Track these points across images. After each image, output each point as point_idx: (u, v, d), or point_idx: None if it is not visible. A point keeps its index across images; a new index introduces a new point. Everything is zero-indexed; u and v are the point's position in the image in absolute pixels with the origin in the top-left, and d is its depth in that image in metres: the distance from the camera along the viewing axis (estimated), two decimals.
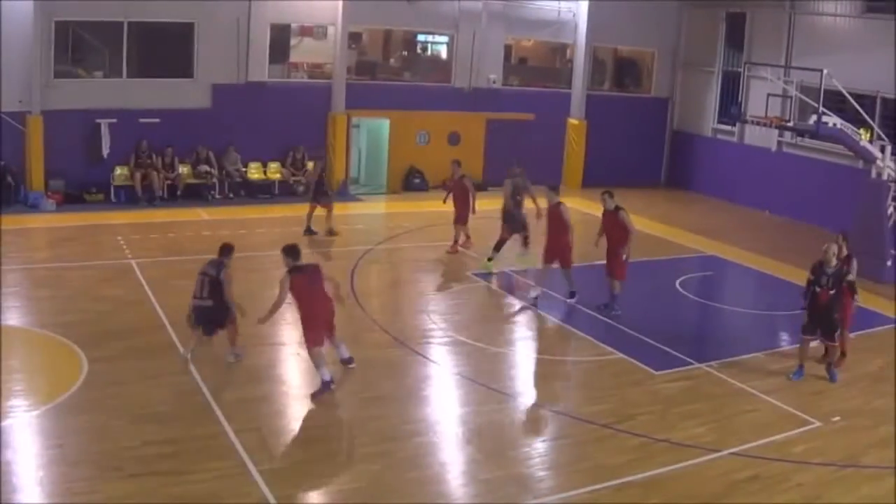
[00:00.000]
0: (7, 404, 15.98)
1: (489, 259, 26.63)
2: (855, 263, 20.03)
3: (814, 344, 19.62)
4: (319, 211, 30.10)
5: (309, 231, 29.99)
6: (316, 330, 17.78)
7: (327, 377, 17.51)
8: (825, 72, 28.86)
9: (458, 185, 28.65)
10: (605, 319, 22.57)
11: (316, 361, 17.61)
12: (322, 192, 30.54)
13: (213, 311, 18.38)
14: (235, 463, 14.34)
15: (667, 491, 14.24)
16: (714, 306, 25.28)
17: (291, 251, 17.90)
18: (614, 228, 22.89)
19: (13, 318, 20.35)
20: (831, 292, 18.87)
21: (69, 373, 17.46)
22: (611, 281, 23.06)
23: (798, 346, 19.69)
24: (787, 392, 18.46)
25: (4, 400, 16.13)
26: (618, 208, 22.92)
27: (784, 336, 21.69)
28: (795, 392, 18.53)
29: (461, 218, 28.48)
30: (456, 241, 28.71)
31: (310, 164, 36.54)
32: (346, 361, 18.81)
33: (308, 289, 17.76)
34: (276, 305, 17.80)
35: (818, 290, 18.94)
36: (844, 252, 19.92)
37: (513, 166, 27.54)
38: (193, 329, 18.63)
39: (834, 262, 18.94)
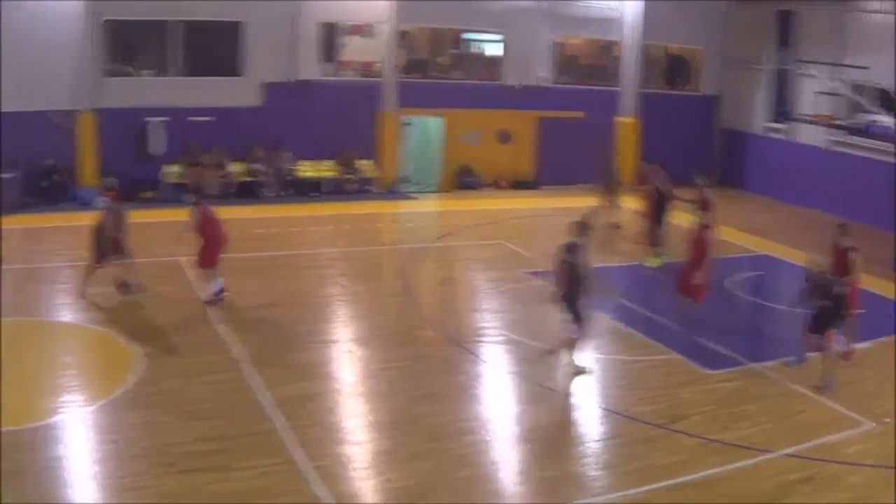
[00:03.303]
0: (60, 400, 16.16)
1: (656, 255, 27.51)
2: (856, 257, 19.73)
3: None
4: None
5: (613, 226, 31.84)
6: (215, 253, 21.60)
7: (219, 287, 21.65)
8: (874, 69, 28.69)
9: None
10: (660, 319, 22.43)
11: (210, 277, 21.60)
12: (612, 188, 31.91)
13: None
14: (285, 460, 14.36)
15: (719, 492, 14.08)
16: (766, 305, 25.12)
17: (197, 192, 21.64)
18: (700, 247, 21.72)
19: (66, 315, 20.56)
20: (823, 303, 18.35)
21: (121, 369, 17.59)
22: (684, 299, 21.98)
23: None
24: (839, 392, 18.16)
25: (57, 396, 16.32)
26: (705, 227, 21.90)
27: (837, 336, 21.38)
28: (848, 393, 18.24)
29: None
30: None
31: (363, 163, 36.81)
32: (218, 293, 21.90)
33: (213, 218, 21.69)
34: (190, 228, 21.50)
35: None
36: (844, 244, 19.89)
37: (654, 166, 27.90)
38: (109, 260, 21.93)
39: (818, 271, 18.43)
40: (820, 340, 18.54)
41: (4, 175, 29.93)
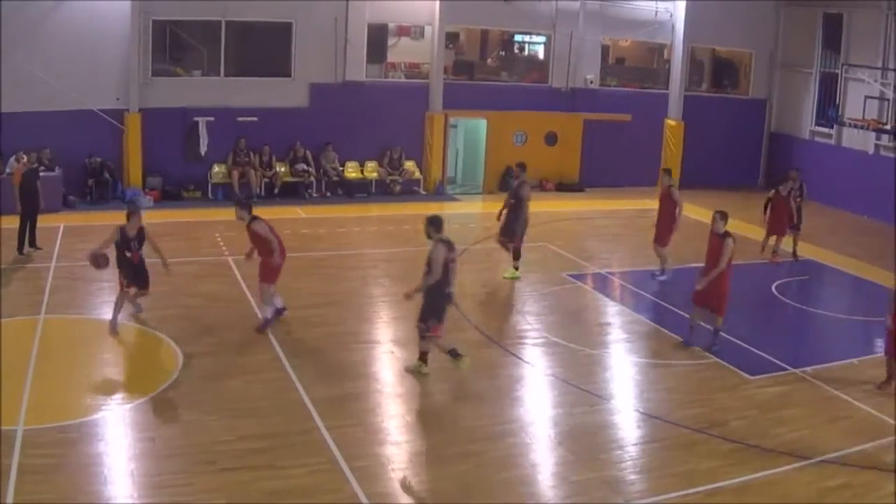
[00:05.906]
0: (103, 397, 16.37)
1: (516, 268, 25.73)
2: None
3: None
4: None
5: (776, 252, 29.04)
6: (277, 270, 20.24)
7: (280, 304, 20.57)
8: None
9: (780, 198, 28.11)
10: (701, 325, 22.28)
11: (268, 297, 20.22)
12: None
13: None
14: (327, 459, 14.46)
15: (758, 497, 14.05)
16: (810, 311, 24.96)
17: (246, 205, 20.39)
18: (718, 255, 19.81)
19: (110, 313, 20.50)
20: None
21: (164, 367, 17.80)
22: (710, 314, 20.57)
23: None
24: (880, 399, 18.06)
25: (100, 393, 16.55)
26: (727, 234, 19.81)
27: (879, 343, 21.23)
28: (889, 399, 18.09)
29: (779, 230, 28.18)
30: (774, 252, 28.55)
31: (409, 164, 37.00)
32: (280, 311, 20.82)
33: (275, 233, 20.25)
34: (275, 248, 20.00)
35: None
36: None
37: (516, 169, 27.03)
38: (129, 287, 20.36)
39: None
40: None
41: (49, 174, 30.08)
